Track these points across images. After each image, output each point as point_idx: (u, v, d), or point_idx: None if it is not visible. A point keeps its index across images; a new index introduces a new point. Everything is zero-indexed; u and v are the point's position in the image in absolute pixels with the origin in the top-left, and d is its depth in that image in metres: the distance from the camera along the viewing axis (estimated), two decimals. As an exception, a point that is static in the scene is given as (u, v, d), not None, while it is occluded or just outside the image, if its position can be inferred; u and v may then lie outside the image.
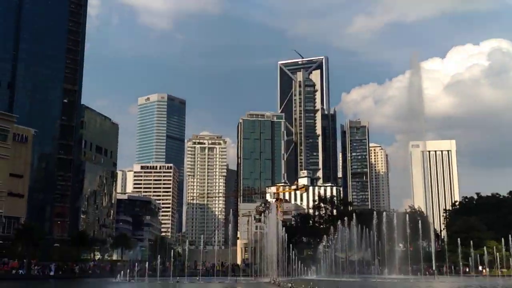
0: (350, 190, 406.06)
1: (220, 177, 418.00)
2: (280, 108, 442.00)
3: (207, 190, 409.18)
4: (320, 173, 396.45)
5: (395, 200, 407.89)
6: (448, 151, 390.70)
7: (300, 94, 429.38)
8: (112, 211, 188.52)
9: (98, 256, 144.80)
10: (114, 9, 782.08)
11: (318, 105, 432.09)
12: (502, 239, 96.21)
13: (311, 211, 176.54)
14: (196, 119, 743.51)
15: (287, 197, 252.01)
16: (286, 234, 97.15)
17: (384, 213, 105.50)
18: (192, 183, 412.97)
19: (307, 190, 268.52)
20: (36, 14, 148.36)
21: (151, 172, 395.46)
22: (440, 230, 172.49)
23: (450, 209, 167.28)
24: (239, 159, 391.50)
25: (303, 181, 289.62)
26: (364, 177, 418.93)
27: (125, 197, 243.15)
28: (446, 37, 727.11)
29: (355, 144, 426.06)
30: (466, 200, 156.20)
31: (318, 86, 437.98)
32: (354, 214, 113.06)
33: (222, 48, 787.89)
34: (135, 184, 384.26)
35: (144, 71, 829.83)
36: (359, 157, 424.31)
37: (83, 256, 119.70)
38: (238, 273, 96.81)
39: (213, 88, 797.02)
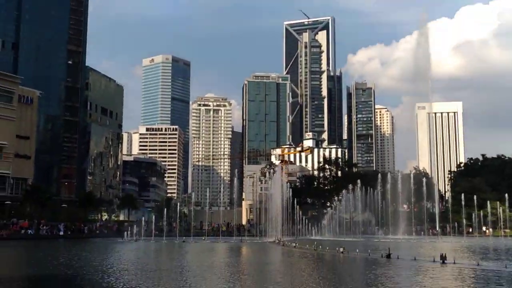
0: (355, 152, 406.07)
1: (225, 139, 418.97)
2: (286, 69, 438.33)
3: (212, 152, 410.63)
4: (325, 135, 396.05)
5: (400, 162, 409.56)
6: (454, 112, 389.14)
7: (306, 55, 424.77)
8: (118, 173, 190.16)
9: (105, 216, 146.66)
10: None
11: (324, 67, 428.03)
12: (506, 200, 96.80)
13: (316, 172, 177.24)
14: (201, 81, 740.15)
15: (292, 159, 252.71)
16: (291, 195, 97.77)
17: (389, 174, 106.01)
18: (197, 145, 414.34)
19: (312, 152, 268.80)
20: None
21: (156, 134, 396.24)
22: (445, 191, 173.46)
23: (455, 170, 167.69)
24: (244, 121, 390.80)
25: (308, 143, 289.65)
26: (369, 139, 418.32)
27: (131, 158, 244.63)
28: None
29: (361, 106, 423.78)
30: (471, 161, 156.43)
31: (324, 47, 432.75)
32: (358, 176, 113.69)
33: (227, 9, 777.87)
34: (140, 146, 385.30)
35: (149, 32, 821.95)
36: (365, 119, 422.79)
37: (90, 216, 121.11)
38: (243, 233, 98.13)
39: (218, 50, 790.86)
